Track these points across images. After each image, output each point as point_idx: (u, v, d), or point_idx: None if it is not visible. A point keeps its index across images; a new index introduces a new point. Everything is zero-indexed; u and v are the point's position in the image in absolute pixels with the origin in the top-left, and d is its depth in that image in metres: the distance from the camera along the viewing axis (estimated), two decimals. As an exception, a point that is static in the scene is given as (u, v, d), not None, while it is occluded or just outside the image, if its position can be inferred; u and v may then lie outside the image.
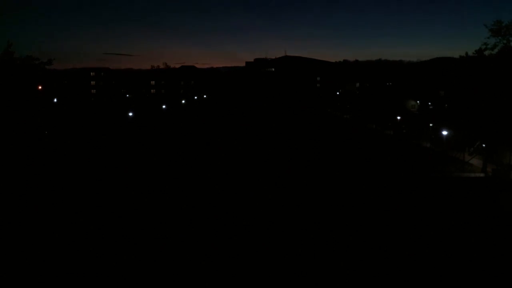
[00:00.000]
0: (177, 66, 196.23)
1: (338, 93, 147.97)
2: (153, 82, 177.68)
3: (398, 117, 78.49)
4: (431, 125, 67.28)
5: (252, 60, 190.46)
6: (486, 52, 46.09)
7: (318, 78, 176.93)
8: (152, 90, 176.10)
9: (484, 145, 49.08)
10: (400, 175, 44.77)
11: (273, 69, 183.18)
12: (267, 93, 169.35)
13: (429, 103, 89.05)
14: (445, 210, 32.97)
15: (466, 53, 50.59)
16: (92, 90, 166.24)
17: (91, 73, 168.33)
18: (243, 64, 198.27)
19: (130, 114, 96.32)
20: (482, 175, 45.31)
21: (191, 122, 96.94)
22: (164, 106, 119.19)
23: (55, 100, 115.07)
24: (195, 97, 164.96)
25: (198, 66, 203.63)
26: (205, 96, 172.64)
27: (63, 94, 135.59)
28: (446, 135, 53.19)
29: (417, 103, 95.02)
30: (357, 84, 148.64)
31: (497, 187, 40.02)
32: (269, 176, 44.04)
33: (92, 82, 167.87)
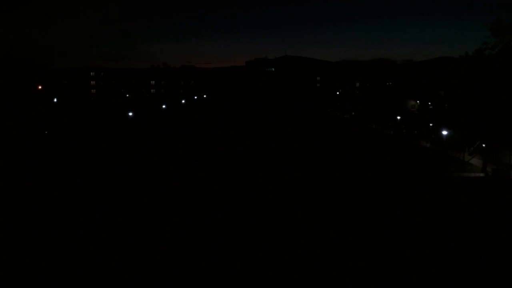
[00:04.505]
0: (177, 66, 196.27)
1: (338, 93, 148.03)
2: (153, 82, 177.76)
3: (398, 117, 78.54)
4: (431, 125, 67.30)
5: (252, 60, 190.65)
6: (486, 52, 46.10)
7: (318, 78, 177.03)
8: (152, 90, 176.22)
9: (484, 145, 49.06)
10: (400, 175, 44.76)
11: (273, 69, 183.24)
12: (267, 93, 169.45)
13: (429, 103, 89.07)
14: (445, 210, 32.96)
15: (466, 53, 50.60)
16: (92, 90, 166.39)
17: (91, 73, 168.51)
18: (243, 64, 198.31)
19: (130, 114, 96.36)
20: (482, 175, 45.30)
21: (191, 122, 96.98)
22: (164, 106, 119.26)
23: (55, 100, 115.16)
24: (195, 97, 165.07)
25: (198, 66, 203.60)
26: (205, 96, 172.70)
27: (63, 94, 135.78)
28: (446, 135, 53.18)
29: (417, 103, 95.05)
30: (357, 84, 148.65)
31: (497, 187, 40.00)
32: (269, 176, 44.04)
33: (92, 82, 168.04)
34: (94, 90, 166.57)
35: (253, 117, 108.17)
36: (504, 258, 24.00)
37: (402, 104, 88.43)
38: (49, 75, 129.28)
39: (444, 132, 52.97)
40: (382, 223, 29.81)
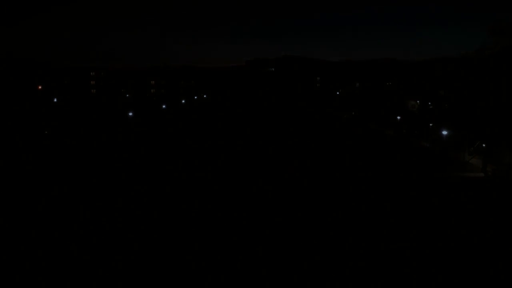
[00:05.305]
0: (177, 66, 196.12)
1: (338, 93, 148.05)
2: (153, 82, 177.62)
3: (398, 117, 78.53)
4: (431, 125, 67.30)
5: (252, 60, 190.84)
6: (486, 52, 46.15)
7: (318, 78, 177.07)
8: (152, 90, 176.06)
9: (484, 145, 49.06)
10: (400, 175, 44.75)
11: (273, 69, 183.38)
12: (267, 93, 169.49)
13: (429, 103, 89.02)
14: (445, 210, 32.95)
15: (466, 53, 50.66)
16: (92, 90, 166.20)
17: (91, 73, 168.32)
18: (243, 64, 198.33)
19: (130, 114, 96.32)
20: (482, 175, 45.30)
21: (191, 122, 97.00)
22: (164, 106, 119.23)
23: (55, 99, 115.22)
24: (195, 97, 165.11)
25: (198, 66, 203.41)
26: (205, 96, 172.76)
27: (63, 93, 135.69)
28: (446, 135, 53.17)
29: (417, 103, 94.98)
30: (357, 84, 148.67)
31: (497, 187, 39.98)
32: (268, 176, 44.04)
33: (92, 81, 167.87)
34: (94, 90, 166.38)
35: (253, 117, 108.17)
36: (504, 258, 23.99)
37: (402, 104, 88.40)
38: (49, 75, 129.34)
39: (444, 132, 52.97)
40: (382, 223, 29.81)
